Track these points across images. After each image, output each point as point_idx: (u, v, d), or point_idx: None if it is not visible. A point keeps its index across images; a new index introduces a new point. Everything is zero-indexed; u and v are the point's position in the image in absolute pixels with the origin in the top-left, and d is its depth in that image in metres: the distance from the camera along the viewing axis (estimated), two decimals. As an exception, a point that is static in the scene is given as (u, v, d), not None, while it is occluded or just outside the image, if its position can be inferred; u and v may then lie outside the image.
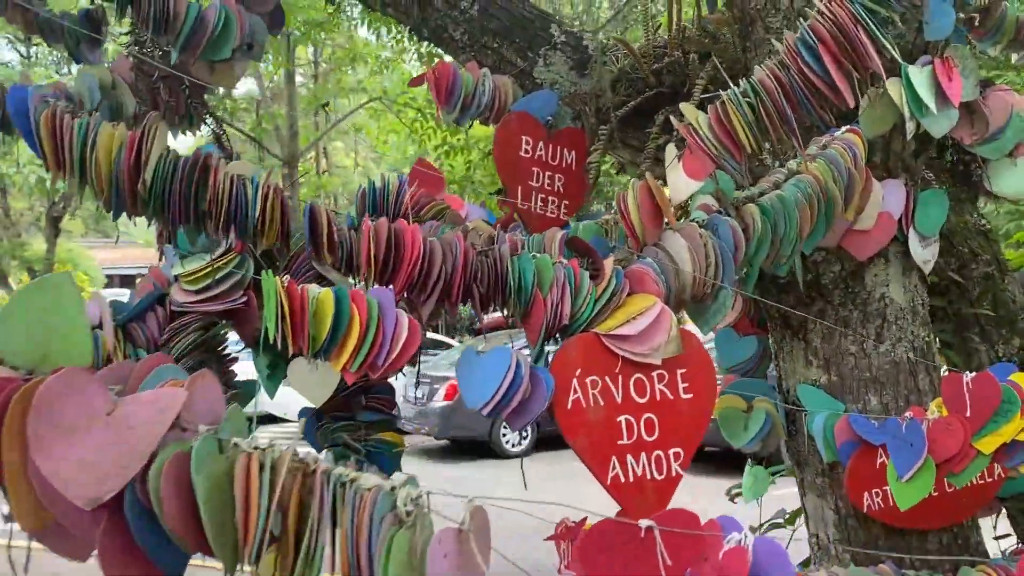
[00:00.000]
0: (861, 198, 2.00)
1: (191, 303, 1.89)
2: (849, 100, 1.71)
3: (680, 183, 1.76)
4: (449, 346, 16.19)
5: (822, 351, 2.41)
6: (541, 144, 2.58)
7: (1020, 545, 2.93)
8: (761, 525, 3.13)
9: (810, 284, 2.36)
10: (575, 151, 2.62)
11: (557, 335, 1.77)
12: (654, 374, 1.76)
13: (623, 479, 1.71)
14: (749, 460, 2.69)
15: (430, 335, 17.53)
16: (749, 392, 2.61)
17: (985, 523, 2.95)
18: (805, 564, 2.67)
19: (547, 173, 2.59)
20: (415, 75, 4.64)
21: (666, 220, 1.80)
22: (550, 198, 2.59)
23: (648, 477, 1.73)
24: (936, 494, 2.37)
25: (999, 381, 1.81)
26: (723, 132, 1.67)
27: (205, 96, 2.79)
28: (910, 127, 2.09)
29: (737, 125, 1.65)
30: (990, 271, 2.94)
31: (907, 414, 1.97)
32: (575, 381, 1.70)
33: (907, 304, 2.37)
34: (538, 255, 1.74)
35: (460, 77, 2.52)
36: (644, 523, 0.99)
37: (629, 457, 1.72)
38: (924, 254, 2.31)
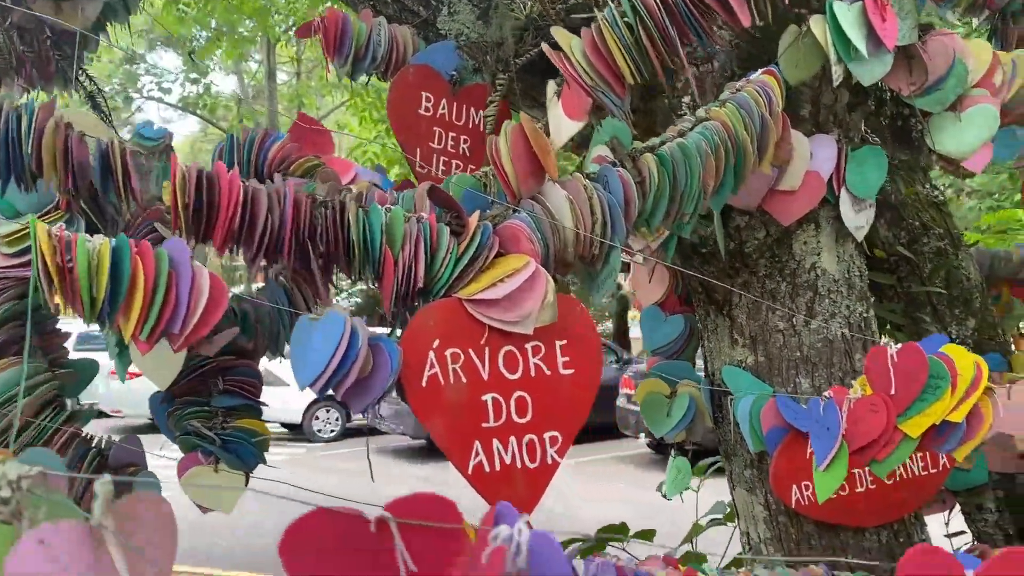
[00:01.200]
0: (779, 149, 1.76)
1: (3, 268, 1.64)
2: (744, 18, 1.47)
3: (561, 124, 1.51)
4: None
5: (748, 328, 2.17)
6: (444, 102, 2.33)
7: (975, 543, 2.70)
8: (702, 519, 2.90)
9: (733, 253, 2.12)
10: (483, 110, 2.37)
11: (419, 301, 1.52)
12: (528, 346, 1.52)
13: (488, 468, 1.47)
14: (672, 451, 2.45)
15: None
16: (673, 375, 2.38)
17: (937, 519, 2.73)
18: (737, 564, 2.43)
19: (451, 134, 2.34)
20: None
21: (545, 170, 1.55)
22: (454, 161, 2.34)
23: (519, 465, 1.48)
24: (874, 487, 2.13)
25: (927, 353, 1.57)
26: (600, 60, 1.42)
27: (87, 55, 2.53)
28: (836, 72, 1.85)
29: (615, 50, 1.40)
30: (943, 246, 2.72)
31: (826, 394, 1.73)
32: (432, 354, 1.45)
33: (841, 275, 2.13)
34: (393, 208, 1.49)
35: (351, 26, 2.27)
36: (374, 513, 0.75)
37: (496, 442, 1.47)
38: (857, 219, 2.07)
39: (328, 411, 13.56)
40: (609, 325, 18.14)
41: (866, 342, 2.15)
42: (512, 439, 1.48)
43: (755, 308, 2.14)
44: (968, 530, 2.74)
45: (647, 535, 2.31)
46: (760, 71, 1.81)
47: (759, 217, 2.07)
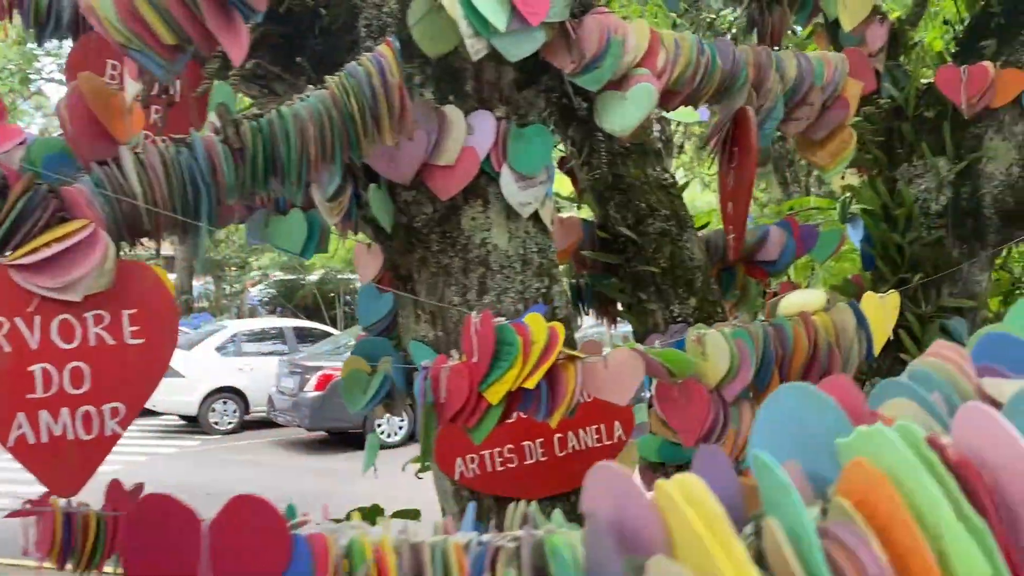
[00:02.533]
0: (401, 121, 1.75)
1: None
2: None
3: (128, 85, 1.47)
4: (327, 335, 15.70)
5: (428, 304, 2.17)
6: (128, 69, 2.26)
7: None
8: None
9: (406, 229, 2.12)
10: (180, 79, 2.31)
11: None
12: (89, 315, 1.47)
13: (32, 439, 1.42)
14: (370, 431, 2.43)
15: (304, 323, 17.00)
16: (373, 352, 2.37)
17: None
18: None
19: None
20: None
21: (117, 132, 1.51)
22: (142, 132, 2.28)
23: (70, 437, 1.44)
24: (545, 459, 2.17)
25: (494, 321, 1.59)
26: (129, 15, 1.38)
27: None
28: (474, 46, 1.86)
29: (142, 7, 1.36)
30: (668, 227, 2.77)
31: (424, 363, 1.74)
32: (-28, 323, 1.40)
33: (515, 251, 2.14)
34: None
35: (29, -10, 2.18)
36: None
37: (44, 414, 1.43)
38: (522, 196, 2.08)
39: (225, 403, 13.25)
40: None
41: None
42: (64, 410, 1.44)
43: (433, 284, 2.15)
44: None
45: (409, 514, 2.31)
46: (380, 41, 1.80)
47: (425, 192, 2.07)
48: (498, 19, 1.84)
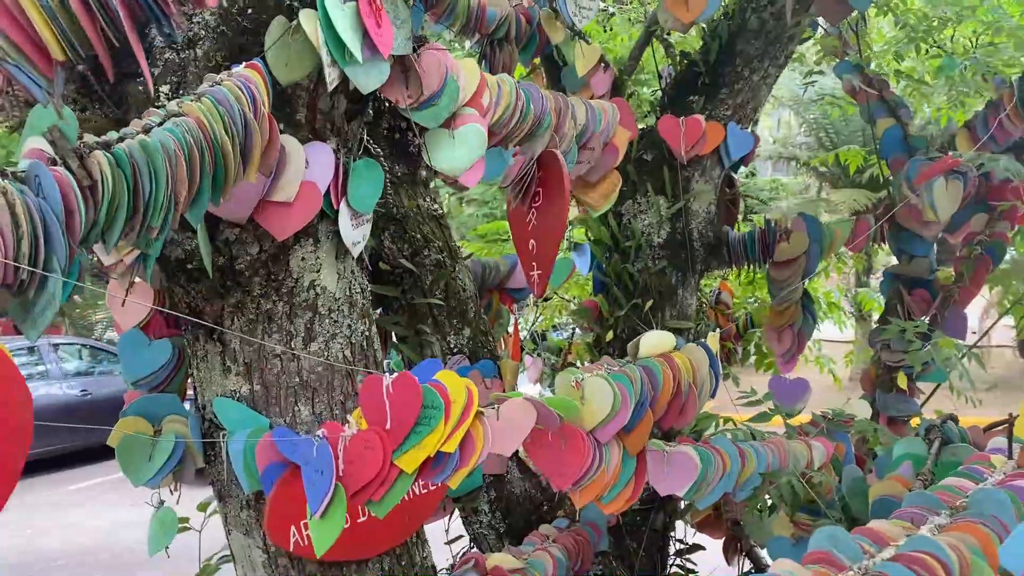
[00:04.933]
0: (266, 155, 1.55)
1: None
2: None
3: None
4: None
5: (242, 354, 1.93)
6: None
7: (472, 547, 2.82)
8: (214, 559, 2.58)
9: (224, 270, 1.86)
10: None
11: None
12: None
13: None
14: (158, 505, 2.10)
15: None
16: (157, 411, 2.03)
17: (438, 526, 2.79)
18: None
19: None
20: None
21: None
22: None
23: None
24: (371, 517, 2.04)
25: (422, 381, 1.50)
26: (14, 24, 1.05)
27: None
28: (331, 75, 1.70)
29: (33, 13, 1.05)
30: (442, 258, 2.77)
31: (319, 432, 1.57)
32: None
33: (343, 293, 2.00)
34: None
35: None
36: None
37: None
38: (355, 235, 1.95)
39: None
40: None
41: (368, 363, 2.06)
42: None
43: (250, 331, 1.91)
44: (466, 533, 2.85)
45: None
46: (243, 64, 1.57)
47: (252, 230, 1.83)
48: (356, 48, 1.71)
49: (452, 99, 1.98)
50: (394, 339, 2.81)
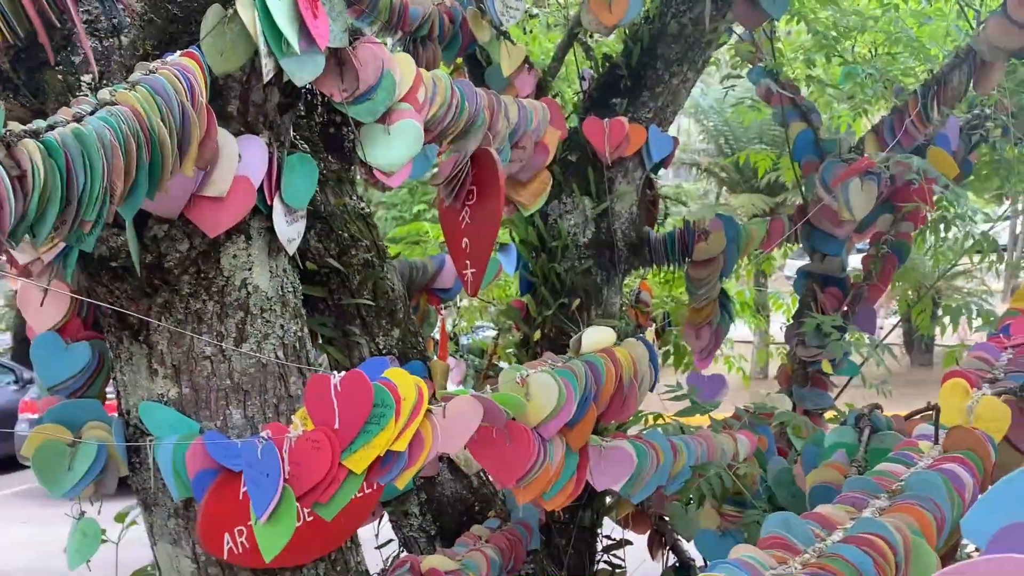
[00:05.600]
0: (203, 149, 1.49)
1: None
2: None
3: None
4: None
5: (170, 356, 1.85)
6: None
7: (403, 551, 2.78)
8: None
9: (151, 268, 1.78)
10: None
11: None
12: None
13: None
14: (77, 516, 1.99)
15: None
16: (77, 418, 1.93)
17: (368, 530, 2.74)
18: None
19: None
20: None
21: None
22: None
23: None
24: (311, 519, 1.99)
25: (371, 379, 1.46)
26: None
27: None
28: (267, 66, 1.65)
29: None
30: (370, 257, 2.72)
31: (264, 433, 1.52)
32: None
33: (275, 292, 1.94)
34: None
35: None
36: None
37: None
38: (290, 231, 1.90)
39: None
40: (6, 339, 15.45)
41: (301, 364, 2.01)
42: None
43: (178, 333, 1.83)
44: (396, 537, 2.81)
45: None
46: (179, 53, 1.51)
47: (181, 227, 1.76)
48: (294, 38, 1.67)
49: (388, 93, 1.95)
50: (321, 340, 2.74)
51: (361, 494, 2.09)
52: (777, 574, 1.08)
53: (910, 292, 4.55)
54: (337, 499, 1.44)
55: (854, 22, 3.76)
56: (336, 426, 1.42)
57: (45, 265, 1.79)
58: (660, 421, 2.65)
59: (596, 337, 1.94)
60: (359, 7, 3.05)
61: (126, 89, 1.38)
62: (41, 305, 1.95)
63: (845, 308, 3.22)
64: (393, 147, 2.01)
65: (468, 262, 2.40)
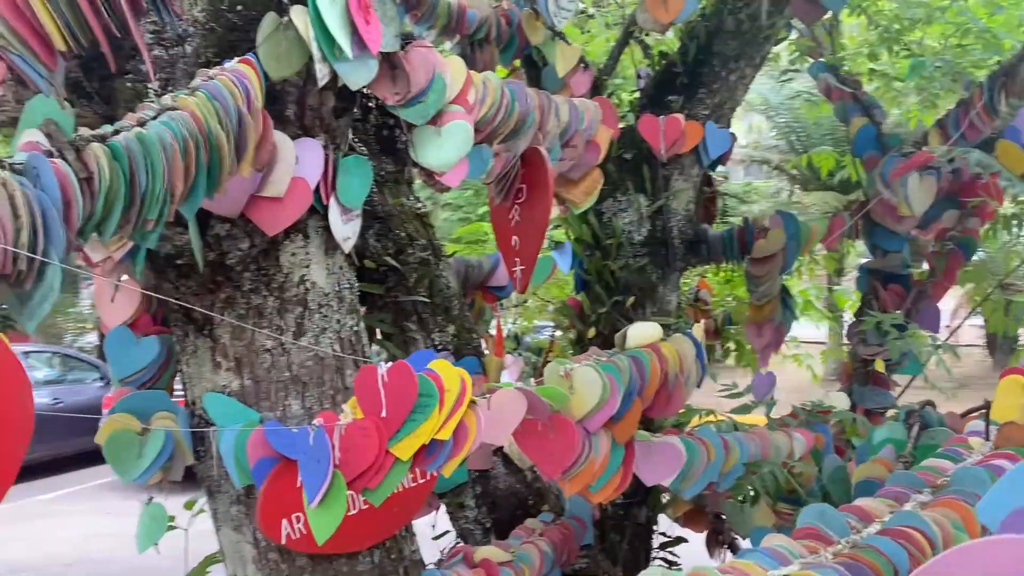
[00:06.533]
0: (260, 150, 1.57)
1: None
2: None
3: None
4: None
5: (232, 350, 1.94)
6: None
7: (459, 542, 2.83)
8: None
9: (214, 265, 1.87)
10: None
11: None
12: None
13: None
14: (147, 498, 2.10)
15: None
16: (146, 408, 2.03)
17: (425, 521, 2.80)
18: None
19: None
20: None
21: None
22: None
23: None
24: (366, 507, 2.05)
25: (416, 371, 1.52)
26: (17, 15, 1.07)
27: None
28: (321, 71, 1.72)
29: (38, 5, 1.07)
30: (426, 256, 2.79)
31: (316, 421, 1.59)
32: None
33: (332, 288, 2.01)
34: None
35: None
36: None
37: None
38: (345, 230, 1.97)
39: None
40: (93, 338, 16.13)
41: (357, 357, 2.07)
42: None
43: (240, 327, 1.92)
44: (452, 528, 2.87)
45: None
46: (236, 60, 1.59)
47: (242, 226, 1.85)
48: (346, 43, 1.73)
49: (439, 96, 2.00)
50: (379, 336, 2.82)
51: (414, 484, 2.17)
52: (807, 562, 1.08)
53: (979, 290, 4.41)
54: (385, 485, 1.50)
55: (920, 13, 3.67)
56: (383, 414, 1.48)
57: (116, 263, 1.90)
58: (712, 418, 2.65)
59: (642, 332, 1.96)
60: (417, 12, 3.13)
61: (186, 95, 1.46)
62: (112, 301, 2.06)
63: (908, 306, 3.15)
64: (444, 148, 2.06)
65: (517, 259, 2.44)
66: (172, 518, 2.12)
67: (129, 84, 1.84)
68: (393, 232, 2.76)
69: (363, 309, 2.86)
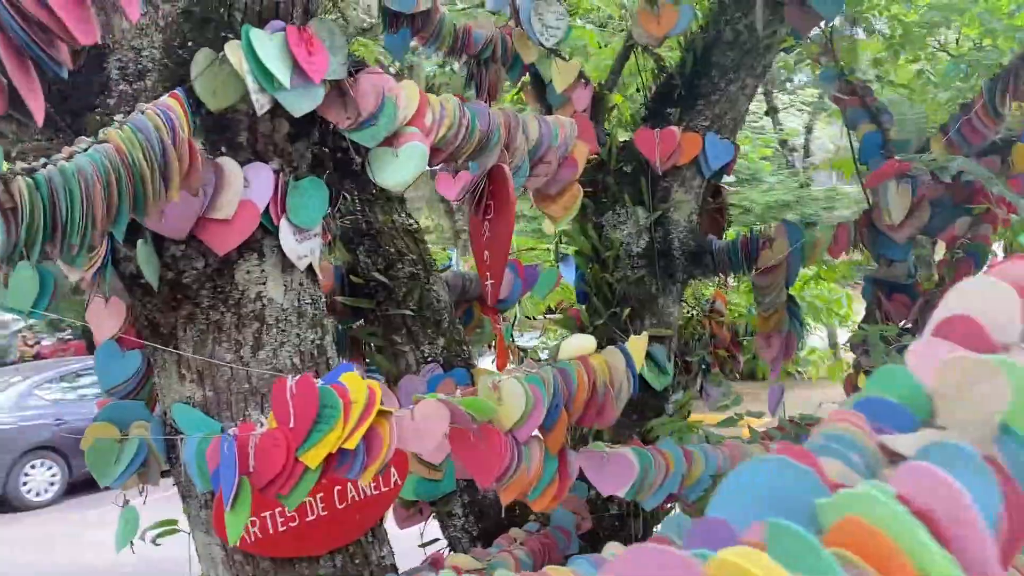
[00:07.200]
0: (188, 178, 1.68)
1: None
2: (82, 37, 1.36)
3: None
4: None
5: (195, 363, 2.06)
6: None
7: (448, 549, 2.90)
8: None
9: (172, 284, 2.00)
10: None
11: None
12: None
13: None
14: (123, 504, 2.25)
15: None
16: (124, 417, 2.19)
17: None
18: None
19: None
20: None
21: None
22: None
23: None
24: (325, 513, 2.16)
25: (326, 383, 1.60)
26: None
27: None
28: (259, 101, 1.83)
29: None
30: (416, 271, 2.89)
31: (232, 430, 1.69)
32: None
33: (291, 304, 2.12)
34: None
35: None
36: None
37: None
38: (300, 249, 2.08)
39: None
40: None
41: (320, 369, 2.17)
42: None
43: (201, 341, 2.05)
44: (441, 536, 2.94)
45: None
46: (168, 94, 1.71)
47: (196, 246, 1.97)
48: (283, 75, 1.84)
49: (390, 119, 2.09)
50: (370, 348, 2.93)
51: (376, 492, 2.25)
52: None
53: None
54: (297, 491, 1.58)
55: (939, 16, 3.57)
56: (291, 425, 1.56)
57: (88, 282, 2.06)
58: (693, 430, 2.65)
59: (576, 344, 2.00)
60: (424, 34, 3.24)
61: (115, 129, 1.59)
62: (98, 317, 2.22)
63: (915, 316, 3.07)
64: (401, 168, 2.14)
65: (488, 273, 2.50)
66: (176, 521, 2.28)
67: (98, 118, 1.99)
68: (383, 248, 2.86)
69: (359, 323, 2.98)
